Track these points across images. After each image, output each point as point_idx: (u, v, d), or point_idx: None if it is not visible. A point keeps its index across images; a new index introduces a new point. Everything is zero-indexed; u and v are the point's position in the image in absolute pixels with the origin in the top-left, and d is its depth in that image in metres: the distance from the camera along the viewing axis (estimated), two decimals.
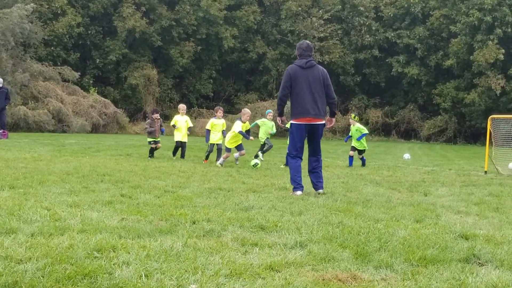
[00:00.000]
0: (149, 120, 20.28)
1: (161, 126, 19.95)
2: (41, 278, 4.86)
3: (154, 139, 19.75)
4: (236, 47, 53.83)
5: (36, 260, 5.40)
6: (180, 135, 19.95)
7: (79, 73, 45.26)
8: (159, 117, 20.09)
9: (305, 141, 11.65)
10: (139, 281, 4.89)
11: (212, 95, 55.08)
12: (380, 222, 8.23)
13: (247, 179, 13.64)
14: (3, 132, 26.98)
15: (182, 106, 20.61)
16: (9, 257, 5.46)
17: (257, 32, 56.51)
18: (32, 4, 42.01)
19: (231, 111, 53.25)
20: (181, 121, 20.07)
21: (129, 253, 5.81)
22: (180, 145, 20.02)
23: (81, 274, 4.96)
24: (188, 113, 52.72)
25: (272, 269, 5.49)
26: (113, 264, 5.37)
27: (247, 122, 18.15)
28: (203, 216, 8.02)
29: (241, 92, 56.04)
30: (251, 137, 17.54)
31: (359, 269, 5.63)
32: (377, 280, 5.27)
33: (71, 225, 7.05)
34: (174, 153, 20.21)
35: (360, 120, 53.98)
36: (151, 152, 19.67)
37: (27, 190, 10.02)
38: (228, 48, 52.95)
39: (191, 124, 20.32)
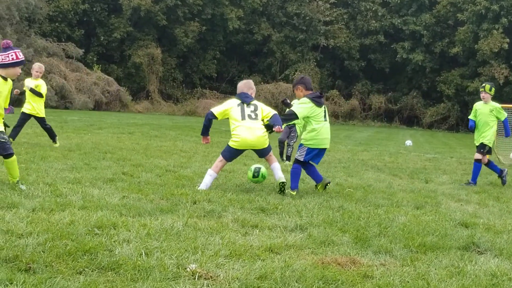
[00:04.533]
0: None
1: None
2: (42, 253, 4.88)
3: None
4: (241, 28, 53.59)
5: (37, 235, 5.42)
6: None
7: (83, 50, 45.17)
8: None
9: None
10: (139, 259, 4.91)
11: (215, 75, 54.92)
12: (380, 207, 8.24)
13: (248, 161, 13.63)
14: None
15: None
16: (10, 231, 5.48)
17: (263, 14, 56.23)
18: None
19: (234, 92, 52.92)
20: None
21: (129, 231, 5.83)
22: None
23: (81, 250, 4.98)
24: (191, 93, 53.16)
25: (271, 251, 5.51)
26: (114, 241, 5.39)
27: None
28: (204, 196, 8.04)
29: (245, 73, 55.81)
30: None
31: (359, 253, 5.64)
32: (376, 265, 5.28)
33: (72, 201, 7.07)
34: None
35: (363, 105, 53.92)
36: None
37: (29, 165, 10.03)
38: (233, 29, 52.71)
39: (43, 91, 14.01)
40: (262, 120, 9.41)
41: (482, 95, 12.40)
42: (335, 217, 7.19)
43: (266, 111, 9.52)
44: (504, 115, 12.44)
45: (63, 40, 46.03)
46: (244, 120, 9.24)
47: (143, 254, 5.05)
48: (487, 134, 12.23)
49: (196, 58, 54.28)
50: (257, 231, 6.27)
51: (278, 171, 9.37)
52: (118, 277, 4.52)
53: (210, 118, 9.41)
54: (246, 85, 9.74)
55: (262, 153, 9.57)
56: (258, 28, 54.74)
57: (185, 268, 4.77)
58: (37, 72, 14.00)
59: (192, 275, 4.65)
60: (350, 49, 53.72)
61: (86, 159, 11.53)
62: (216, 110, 9.44)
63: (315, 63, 52.61)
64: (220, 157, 9.39)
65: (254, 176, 9.42)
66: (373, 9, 54.56)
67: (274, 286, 4.56)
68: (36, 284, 4.22)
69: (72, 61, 43.98)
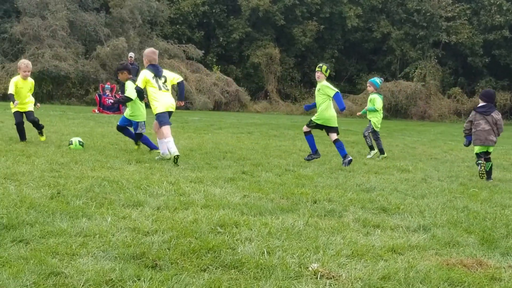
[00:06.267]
0: None
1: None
2: (167, 250, 5.00)
3: None
4: (359, 26, 53.09)
5: (162, 233, 5.56)
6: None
7: (203, 51, 45.98)
8: None
9: None
10: (261, 257, 4.94)
11: (334, 74, 54.56)
12: (507, 208, 7.96)
13: (368, 160, 13.52)
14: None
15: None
16: (136, 229, 5.66)
17: (382, 11, 55.51)
18: None
19: (353, 91, 52.68)
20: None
21: (251, 229, 5.89)
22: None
23: (205, 248, 5.07)
24: (309, 92, 53.15)
25: (394, 251, 5.43)
26: (236, 240, 5.46)
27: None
28: (324, 196, 8.01)
29: (363, 72, 55.28)
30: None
31: (485, 255, 5.47)
32: (504, 267, 5.11)
33: (195, 200, 7.22)
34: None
35: None
36: None
37: (153, 164, 10.32)
38: (352, 27, 52.33)
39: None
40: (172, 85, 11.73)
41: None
42: (459, 218, 7.01)
43: (172, 77, 11.62)
44: (332, 91, 12.33)
45: (184, 42, 47.04)
46: (161, 90, 11.21)
47: (265, 252, 5.09)
48: (317, 112, 12.81)
49: (314, 57, 54.19)
50: (379, 231, 6.20)
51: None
52: (241, 275, 4.57)
53: (140, 90, 11.31)
54: (156, 54, 11.63)
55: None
56: (377, 26, 54.05)
57: (307, 268, 4.77)
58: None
59: (314, 275, 4.64)
60: (473, 45, 52.13)
61: (207, 158, 11.74)
62: (139, 83, 11.21)
63: (436, 60, 51.47)
64: (161, 126, 11.16)
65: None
66: (498, 3, 52.74)
67: (397, 287, 4.49)
68: (163, 281, 4.33)
69: (193, 62, 44.86)
